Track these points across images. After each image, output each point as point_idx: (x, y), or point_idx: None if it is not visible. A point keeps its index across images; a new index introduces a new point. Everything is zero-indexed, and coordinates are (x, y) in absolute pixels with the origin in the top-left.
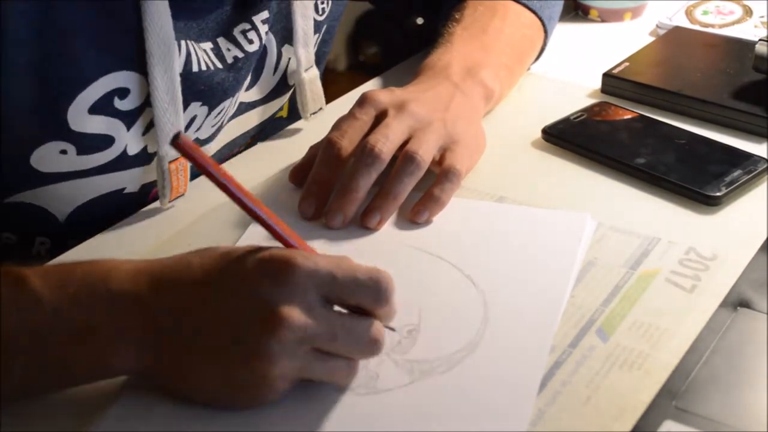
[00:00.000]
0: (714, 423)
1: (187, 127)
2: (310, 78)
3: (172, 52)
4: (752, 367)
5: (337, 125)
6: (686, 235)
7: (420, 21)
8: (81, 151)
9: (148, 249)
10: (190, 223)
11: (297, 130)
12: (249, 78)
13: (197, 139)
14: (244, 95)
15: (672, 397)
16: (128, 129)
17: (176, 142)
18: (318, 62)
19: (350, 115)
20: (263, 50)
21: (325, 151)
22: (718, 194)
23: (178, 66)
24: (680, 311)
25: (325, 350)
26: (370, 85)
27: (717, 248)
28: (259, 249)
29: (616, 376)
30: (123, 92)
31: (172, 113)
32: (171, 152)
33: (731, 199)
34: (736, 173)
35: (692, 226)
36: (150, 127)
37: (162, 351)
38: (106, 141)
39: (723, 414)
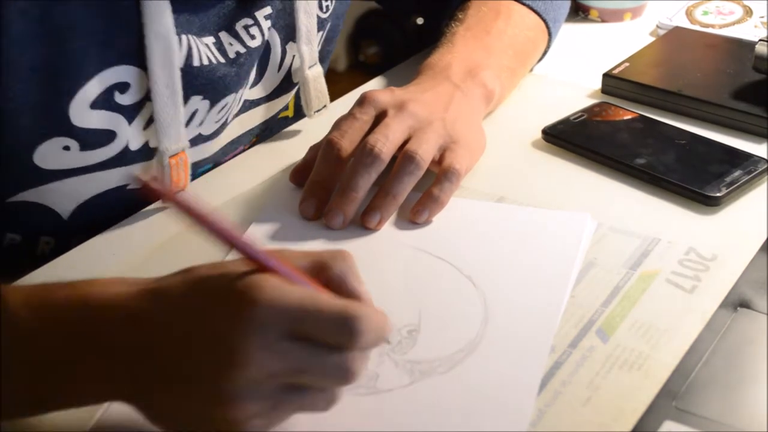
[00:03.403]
0: (714, 423)
1: (189, 122)
2: (314, 75)
3: (172, 47)
4: (752, 367)
5: (337, 125)
6: (686, 236)
7: (420, 21)
8: (84, 146)
9: (148, 249)
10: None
11: (298, 131)
12: (253, 75)
13: (200, 135)
14: (249, 93)
15: (672, 397)
16: (129, 123)
17: (140, 182)
18: (322, 60)
19: (350, 115)
20: (267, 47)
21: (325, 151)
22: (718, 194)
23: (179, 60)
24: (680, 311)
25: (296, 384)
26: (370, 85)
27: (717, 248)
28: (227, 275)
29: (616, 376)
30: (123, 86)
31: (171, 108)
32: (172, 147)
33: (731, 199)
34: (736, 173)
35: (692, 227)
36: (151, 121)
37: (133, 386)
38: (108, 136)
39: (723, 414)
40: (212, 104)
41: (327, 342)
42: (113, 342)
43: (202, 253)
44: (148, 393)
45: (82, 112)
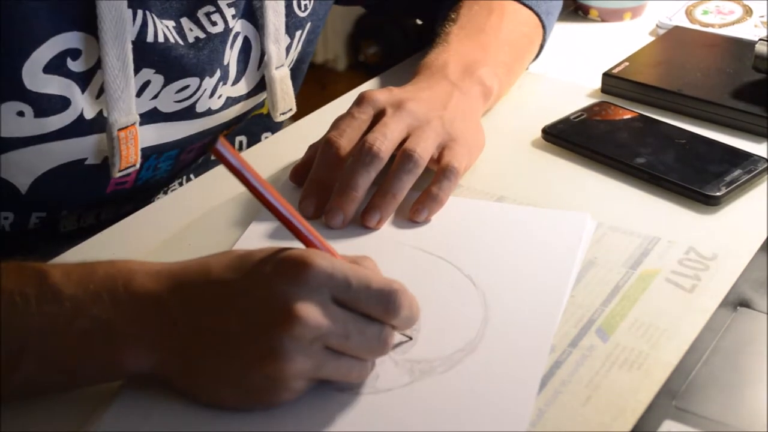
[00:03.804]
0: (714, 423)
1: (141, 91)
2: (281, 76)
3: (124, 18)
4: (752, 367)
5: (336, 124)
6: (686, 235)
7: (420, 21)
8: (38, 113)
9: (148, 248)
10: (189, 223)
11: (297, 130)
12: (234, 72)
13: (157, 111)
14: (231, 90)
15: (672, 397)
16: (83, 91)
17: (213, 146)
18: (302, 62)
19: (348, 114)
20: (247, 44)
21: (323, 150)
22: (718, 194)
23: (131, 32)
24: (680, 311)
25: (337, 349)
26: (370, 85)
27: (717, 248)
28: (278, 250)
29: (616, 376)
30: (75, 53)
31: (122, 80)
32: (121, 119)
33: (731, 199)
34: (736, 173)
35: (692, 226)
36: (103, 91)
37: (178, 351)
38: (62, 102)
39: (723, 414)
40: (167, 81)
41: (369, 313)
42: (160, 311)
43: (203, 252)
44: (193, 359)
45: (36, 75)
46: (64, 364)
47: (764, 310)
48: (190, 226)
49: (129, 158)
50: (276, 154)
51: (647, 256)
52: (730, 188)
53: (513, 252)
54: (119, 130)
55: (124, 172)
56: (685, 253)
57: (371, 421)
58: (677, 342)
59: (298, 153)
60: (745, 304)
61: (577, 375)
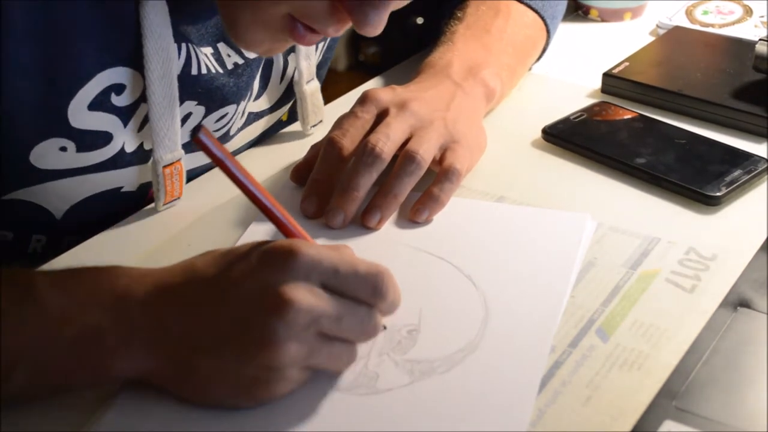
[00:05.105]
0: (714, 423)
1: (182, 123)
2: (312, 90)
3: (171, 55)
4: (752, 367)
5: (339, 124)
6: (686, 235)
7: (420, 21)
8: (80, 148)
9: (148, 249)
10: (190, 223)
11: (298, 130)
12: (257, 87)
13: None
14: (253, 105)
15: (672, 397)
16: (125, 125)
17: (196, 136)
18: (321, 67)
19: (351, 113)
20: (269, 59)
21: (326, 150)
22: (718, 194)
23: (176, 68)
24: (680, 311)
25: (329, 333)
26: (370, 85)
27: (717, 248)
28: (261, 243)
29: (616, 376)
30: (119, 88)
31: (168, 118)
32: (166, 156)
33: (731, 199)
34: (736, 173)
35: (692, 226)
36: (145, 123)
37: (169, 354)
38: (104, 138)
39: (723, 414)
40: (208, 111)
41: (357, 297)
42: (148, 314)
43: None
44: (185, 359)
45: (80, 113)
46: (56, 373)
47: (764, 310)
48: (190, 226)
49: (174, 193)
50: (276, 154)
51: (647, 256)
52: (730, 188)
53: (513, 252)
54: (164, 167)
55: (168, 206)
56: (685, 254)
57: (371, 421)
58: (677, 342)
59: (298, 153)
60: (745, 304)
61: (577, 375)
